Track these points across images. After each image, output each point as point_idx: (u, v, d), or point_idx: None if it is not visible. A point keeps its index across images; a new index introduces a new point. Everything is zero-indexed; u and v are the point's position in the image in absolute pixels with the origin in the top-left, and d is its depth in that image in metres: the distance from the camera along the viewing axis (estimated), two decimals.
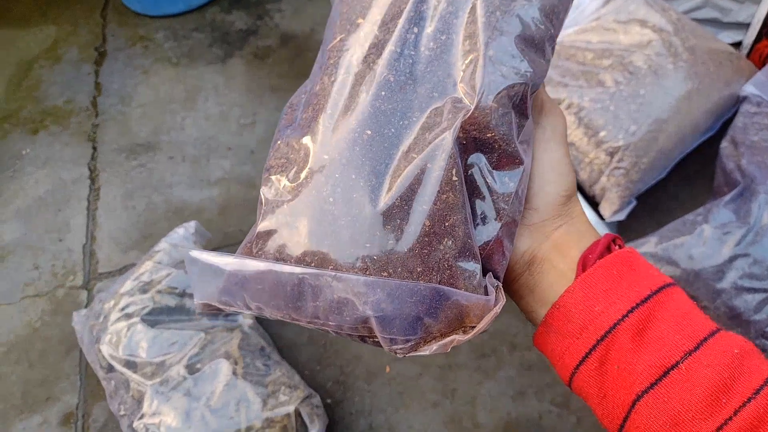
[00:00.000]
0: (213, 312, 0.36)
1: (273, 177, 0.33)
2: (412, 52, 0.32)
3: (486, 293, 0.30)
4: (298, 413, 0.60)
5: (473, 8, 0.32)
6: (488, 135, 0.31)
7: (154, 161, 0.94)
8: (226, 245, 0.83)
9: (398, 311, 0.30)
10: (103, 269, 0.82)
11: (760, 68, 0.77)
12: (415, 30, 0.33)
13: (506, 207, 0.31)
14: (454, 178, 0.30)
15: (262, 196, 0.33)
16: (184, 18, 1.13)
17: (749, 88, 0.74)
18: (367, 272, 0.31)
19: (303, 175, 0.32)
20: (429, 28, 0.32)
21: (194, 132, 0.96)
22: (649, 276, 0.33)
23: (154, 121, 0.99)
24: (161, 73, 1.05)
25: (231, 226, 0.84)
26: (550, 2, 0.34)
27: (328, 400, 0.67)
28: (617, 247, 0.34)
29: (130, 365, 0.64)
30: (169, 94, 1.02)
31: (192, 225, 0.75)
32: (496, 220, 0.31)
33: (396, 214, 0.30)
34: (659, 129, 0.71)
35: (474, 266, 0.30)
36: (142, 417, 0.61)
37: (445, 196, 0.30)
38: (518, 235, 0.34)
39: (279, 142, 0.34)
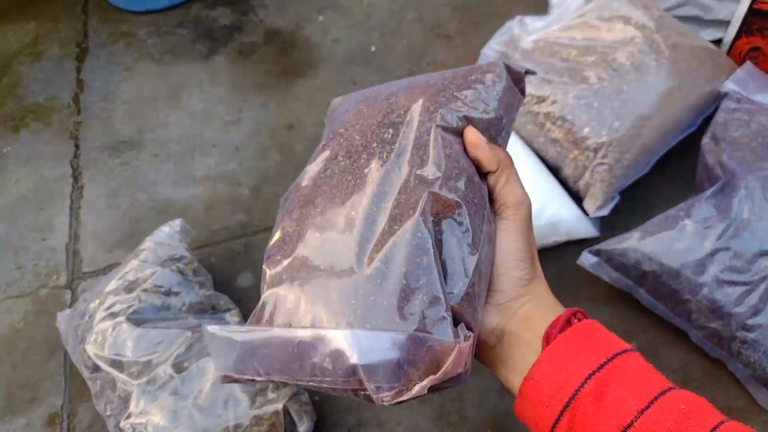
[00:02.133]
0: (232, 382, 0.41)
1: (274, 257, 0.40)
2: (386, 150, 0.40)
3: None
4: (286, 410, 0.60)
5: (419, 121, 0.41)
6: (449, 213, 0.38)
7: (138, 159, 0.93)
8: (212, 243, 0.82)
9: (381, 359, 0.35)
10: (87, 268, 0.82)
11: (740, 65, 0.78)
12: (390, 131, 0.42)
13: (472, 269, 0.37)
14: (427, 246, 0.36)
15: (265, 272, 0.41)
16: (168, 14, 1.12)
17: (729, 85, 0.76)
18: (354, 326, 0.36)
19: (298, 250, 0.40)
20: (397, 133, 0.41)
21: (178, 129, 0.96)
22: (606, 344, 0.38)
23: (137, 119, 0.98)
24: (144, 70, 1.04)
25: (216, 224, 0.84)
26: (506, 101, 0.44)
27: (316, 398, 0.67)
28: (577, 319, 0.39)
29: (116, 365, 0.63)
30: (152, 91, 1.01)
31: (177, 223, 0.74)
32: (465, 276, 0.37)
33: (377, 276, 0.36)
34: (642, 125, 0.72)
35: (446, 316, 0.35)
36: (128, 417, 0.61)
37: (418, 259, 0.36)
38: (488, 312, 0.39)
39: (280, 225, 0.41)
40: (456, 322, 0.36)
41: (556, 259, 0.74)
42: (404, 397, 0.36)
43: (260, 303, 0.40)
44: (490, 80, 0.44)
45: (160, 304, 0.68)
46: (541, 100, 0.76)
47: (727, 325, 0.60)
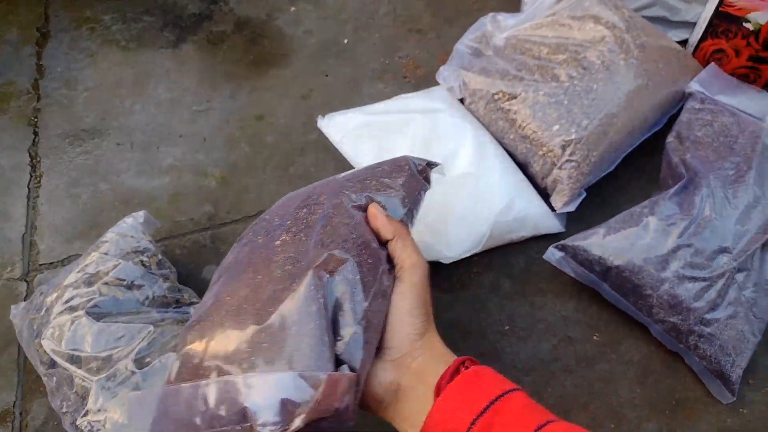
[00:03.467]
0: None
1: (191, 325, 0.46)
2: (296, 226, 0.48)
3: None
4: None
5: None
6: (342, 268, 0.44)
7: (101, 148, 0.90)
8: (177, 234, 0.80)
9: (265, 399, 0.39)
10: (44, 260, 0.79)
11: (704, 66, 0.80)
12: (303, 210, 0.50)
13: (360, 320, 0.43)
14: (317, 296, 0.42)
15: (183, 336, 0.46)
16: (133, 0, 1.08)
17: (694, 85, 0.77)
18: (245, 372, 0.41)
19: (211, 314, 0.46)
20: (310, 213, 0.49)
21: (144, 118, 0.93)
22: (491, 387, 0.41)
23: (100, 106, 0.95)
24: (109, 57, 1.01)
25: (182, 215, 0.82)
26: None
27: None
28: (465, 367, 0.42)
29: (74, 360, 0.61)
30: (117, 78, 0.98)
31: (141, 214, 0.72)
32: (354, 324, 0.42)
33: (272, 326, 0.42)
34: (609, 123, 0.73)
35: (329, 358, 0.41)
36: (86, 414, 0.59)
37: (307, 308, 0.42)
38: (383, 369, 0.43)
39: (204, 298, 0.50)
40: (339, 365, 0.42)
41: (522, 254, 0.74)
42: (292, 429, 0.40)
43: (175, 363, 0.46)
44: (396, 171, 0.55)
45: (122, 297, 0.66)
46: (512, 97, 0.76)
47: (685, 319, 0.61)
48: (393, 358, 0.44)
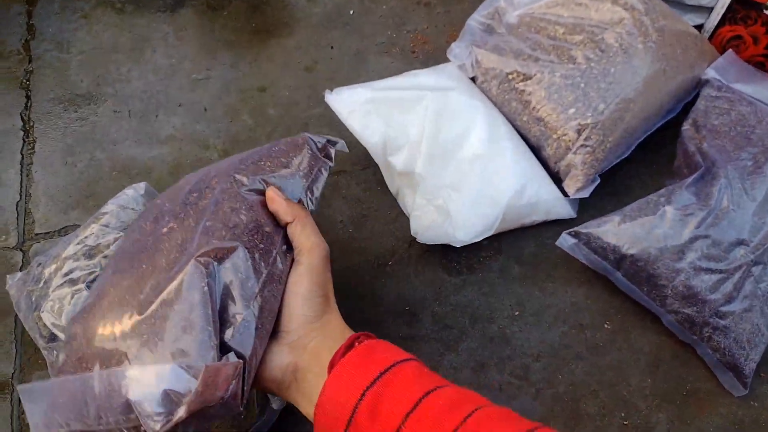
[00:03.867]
0: None
1: (77, 314, 0.47)
2: (185, 211, 0.48)
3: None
4: None
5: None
6: (230, 256, 0.44)
7: (97, 114, 0.87)
8: None
9: (148, 391, 0.39)
10: (39, 230, 0.76)
11: (721, 53, 0.79)
12: (194, 195, 0.49)
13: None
14: (201, 284, 0.41)
15: (68, 326, 0.47)
16: None
17: (711, 72, 0.76)
18: (126, 364, 0.41)
19: (94, 304, 0.46)
20: (201, 197, 0.49)
21: (141, 85, 0.90)
22: (384, 359, 0.41)
23: (95, 71, 0.91)
24: (103, 19, 0.97)
25: None
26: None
27: None
28: (359, 342, 0.43)
29: None
30: (112, 42, 0.94)
31: (142, 186, 0.70)
32: (244, 309, 0.42)
33: (153, 317, 0.42)
34: (626, 108, 0.71)
35: (212, 346, 0.40)
36: None
37: (191, 297, 0.41)
38: (281, 353, 0.44)
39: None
40: (227, 352, 0.41)
41: (533, 239, 0.73)
42: (171, 423, 0.40)
43: (60, 355, 0.46)
44: (294, 150, 0.55)
45: None
46: (527, 77, 0.74)
47: (700, 311, 0.61)
48: (289, 341, 0.44)
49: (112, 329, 0.43)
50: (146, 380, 0.40)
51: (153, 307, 0.42)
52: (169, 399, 0.39)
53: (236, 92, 0.89)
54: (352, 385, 0.40)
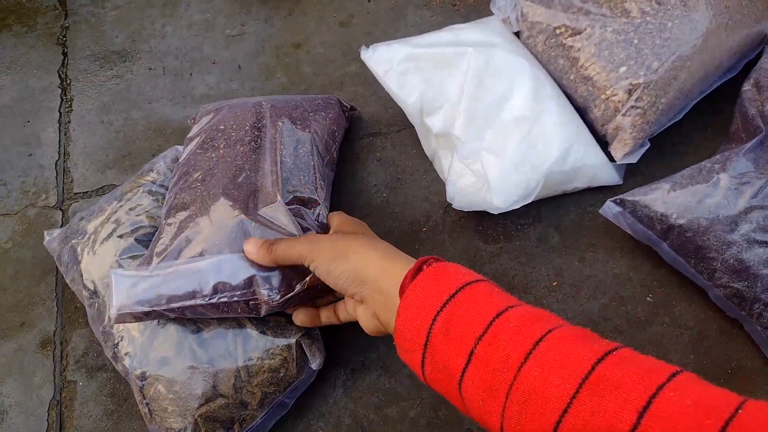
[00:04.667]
0: (128, 322, 0.55)
1: (169, 215, 0.58)
2: (253, 143, 0.63)
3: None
4: (299, 345, 0.58)
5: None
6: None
7: (132, 72, 0.86)
8: None
9: (273, 270, 0.53)
10: (78, 189, 0.77)
11: None
12: (255, 132, 0.64)
13: None
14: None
15: (162, 226, 0.58)
16: None
17: None
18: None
19: (194, 209, 0.57)
20: (260, 135, 0.64)
21: (175, 41, 0.88)
22: (452, 281, 0.41)
23: (130, 27, 0.90)
24: None
25: None
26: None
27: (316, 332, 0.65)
28: (427, 266, 0.43)
29: None
30: None
31: (181, 149, 0.69)
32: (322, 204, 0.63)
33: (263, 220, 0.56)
34: (682, 66, 0.66)
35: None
36: (129, 342, 0.58)
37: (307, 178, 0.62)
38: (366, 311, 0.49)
39: (175, 195, 0.60)
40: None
41: (574, 206, 0.70)
42: (289, 296, 0.52)
43: (153, 250, 0.56)
44: (326, 109, 0.71)
45: None
46: (576, 32, 0.69)
47: (751, 286, 0.57)
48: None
49: (223, 225, 0.55)
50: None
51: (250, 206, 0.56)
52: (287, 277, 0.52)
53: (270, 49, 0.86)
54: (424, 309, 0.40)
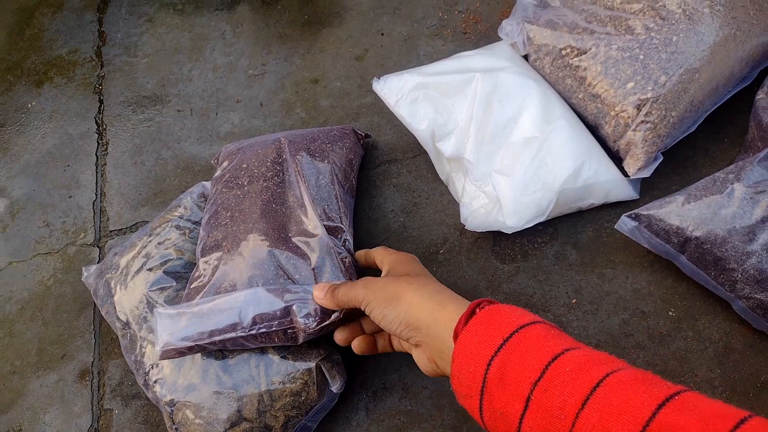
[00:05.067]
0: (173, 357, 0.57)
1: (205, 254, 0.61)
2: (276, 178, 0.66)
3: None
4: (319, 369, 0.59)
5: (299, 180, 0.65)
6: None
7: (162, 115, 0.91)
8: None
9: (308, 300, 0.56)
10: (113, 226, 0.82)
11: None
12: (277, 167, 0.67)
13: None
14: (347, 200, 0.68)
15: (198, 264, 0.61)
16: None
17: None
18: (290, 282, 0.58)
19: (227, 245, 0.60)
20: (281, 169, 0.67)
21: (201, 84, 0.93)
22: (505, 325, 0.40)
23: (160, 73, 0.96)
24: (166, 21, 1.01)
25: None
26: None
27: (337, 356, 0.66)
28: (480, 309, 0.43)
29: (146, 320, 0.63)
30: (175, 43, 0.98)
31: (208, 185, 0.73)
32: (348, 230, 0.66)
33: (292, 252, 0.59)
34: (690, 79, 0.66)
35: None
36: (159, 370, 0.61)
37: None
38: (421, 355, 0.49)
39: (208, 233, 0.63)
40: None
41: (591, 222, 0.70)
42: (326, 323, 0.55)
43: (194, 286, 0.59)
44: (341, 139, 0.73)
45: (195, 260, 0.68)
46: (581, 52, 0.70)
47: None
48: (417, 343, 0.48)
49: (256, 262, 0.58)
50: (305, 293, 0.56)
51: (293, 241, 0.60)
52: (323, 307, 0.55)
53: (290, 86, 0.90)
54: (478, 354, 0.40)
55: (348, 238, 0.64)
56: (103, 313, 0.68)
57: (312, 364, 0.59)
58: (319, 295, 0.54)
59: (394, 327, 0.47)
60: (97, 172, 0.87)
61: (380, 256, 0.58)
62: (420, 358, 0.49)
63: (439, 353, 0.45)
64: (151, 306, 0.63)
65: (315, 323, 0.55)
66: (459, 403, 0.43)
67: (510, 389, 0.38)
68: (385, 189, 0.77)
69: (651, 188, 0.70)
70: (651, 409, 0.33)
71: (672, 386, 0.34)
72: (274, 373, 0.58)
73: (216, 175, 0.70)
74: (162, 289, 0.64)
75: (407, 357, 0.66)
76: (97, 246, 0.80)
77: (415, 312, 0.46)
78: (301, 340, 0.56)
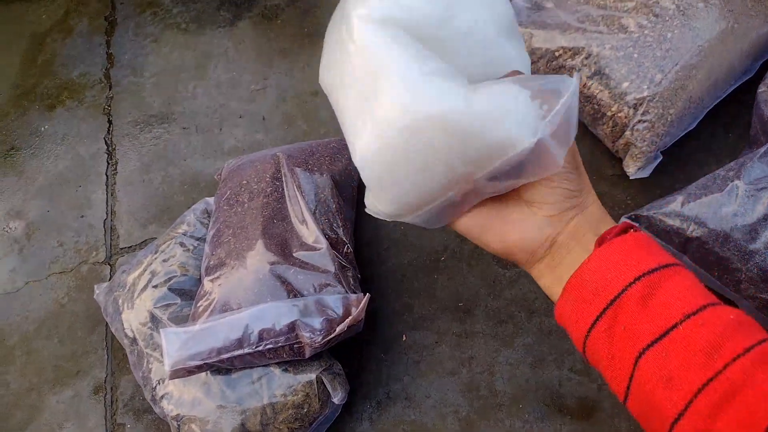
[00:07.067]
0: (182, 376, 0.59)
1: (210, 272, 0.63)
2: (274, 193, 0.67)
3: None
4: (320, 380, 0.60)
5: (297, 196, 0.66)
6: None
7: (168, 133, 0.93)
8: None
9: (313, 315, 0.57)
10: (123, 244, 0.84)
11: None
12: (275, 183, 0.68)
13: None
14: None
15: (202, 284, 0.63)
16: None
17: None
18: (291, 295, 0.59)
19: (229, 263, 0.62)
20: (279, 184, 0.68)
21: (206, 101, 0.95)
22: (660, 254, 0.37)
23: (166, 92, 0.98)
24: (171, 41, 1.03)
25: None
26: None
27: (345, 370, 0.66)
28: (634, 231, 0.39)
29: (153, 337, 0.65)
30: (179, 62, 1.00)
31: (211, 201, 0.75)
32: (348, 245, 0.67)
33: (297, 266, 0.61)
34: (688, 76, 0.65)
35: (356, 277, 0.64)
36: (159, 383, 0.62)
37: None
38: (539, 225, 0.40)
39: (212, 252, 0.66)
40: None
41: None
42: (330, 337, 0.57)
43: (200, 305, 0.61)
44: (339, 147, 0.74)
45: (199, 277, 0.69)
46: (574, 52, 0.70)
47: None
48: (549, 214, 0.40)
49: (258, 278, 0.60)
50: (311, 306, 0.57)
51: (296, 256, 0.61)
52: (327, 320, 0.57)
53: (291, 99, 0.91)
54: (626, 265, 0.37)
55: (350, 249, 0.64)
56: (112, 330, 0.70)
57: (313, 376, 0.59)
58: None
59: (573, 186, 0.40)
60: (107, 191, 0.89)
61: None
62: (538, 230, 0.41)
63: (561, 252, 0.40)
64: (156, 323, 0.65)
65: (321, 337, 0.56)
66: (559, 310, 0.39)
67: (652, 311, 0.35)
68: None
69: (655, 187, 0.69)
70: None
71: None
72: (276, 386, 0.59)
73: (218, 192, 0.71)
74: (167, 306, 0.65)
75: (409, 366, 0.66)
76: (109, 264, 0.82)
77: (592, 196, 0.41)
78: (308, 354, 0.57)
